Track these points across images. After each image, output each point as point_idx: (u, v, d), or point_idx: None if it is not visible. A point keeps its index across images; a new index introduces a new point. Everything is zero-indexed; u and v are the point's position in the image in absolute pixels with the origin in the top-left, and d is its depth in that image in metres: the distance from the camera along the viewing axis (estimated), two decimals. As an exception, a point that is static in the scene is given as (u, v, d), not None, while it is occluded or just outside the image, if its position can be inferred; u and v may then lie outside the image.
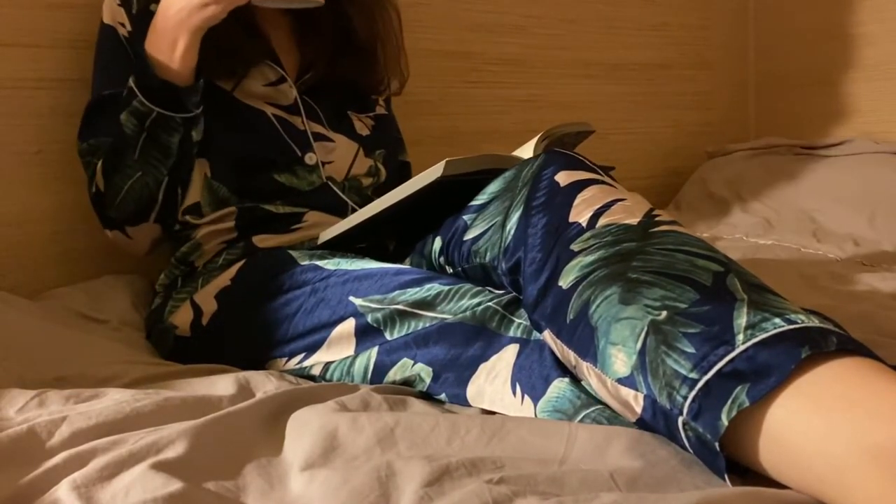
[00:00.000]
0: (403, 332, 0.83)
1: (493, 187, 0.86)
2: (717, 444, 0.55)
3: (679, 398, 0.58)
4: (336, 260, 0.94)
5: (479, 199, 0.87)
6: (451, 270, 0.90)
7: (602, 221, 0.72)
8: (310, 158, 1.11)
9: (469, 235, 0.86)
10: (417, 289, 0.84)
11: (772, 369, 0.55)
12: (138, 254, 1.13)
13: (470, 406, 0.77)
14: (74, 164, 1.12)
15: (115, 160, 1.02)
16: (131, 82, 0.99)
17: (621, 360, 0.62)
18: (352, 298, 0.87)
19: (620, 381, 0.62)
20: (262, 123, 1.09)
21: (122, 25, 1.09)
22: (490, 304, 0.79)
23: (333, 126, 1.15)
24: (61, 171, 1.15)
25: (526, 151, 0.97)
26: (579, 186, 0.77)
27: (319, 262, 0.94)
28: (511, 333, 0.77)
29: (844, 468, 0.51)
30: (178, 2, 0.96)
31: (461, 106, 1.68)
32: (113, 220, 1.07)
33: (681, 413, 0.58)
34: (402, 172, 1.32)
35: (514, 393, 0.73)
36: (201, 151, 1.06)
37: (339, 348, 0.87)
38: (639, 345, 0.61)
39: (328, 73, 1.16)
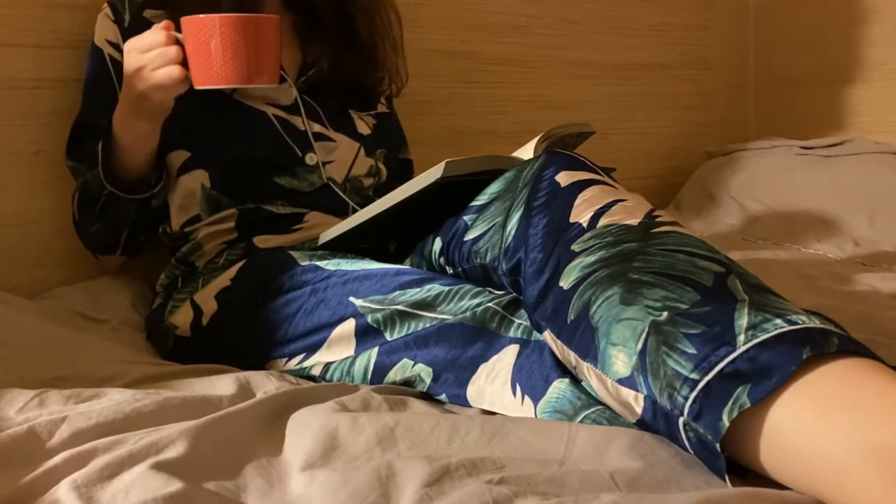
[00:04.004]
0: (403, 333, 0.82)
1: (493, 188, 0.86)
2: (717, 445, 0.55)
3: (680, 399, 0.58)
4: (336, 260, 0.94)
5: (480, 200, 0.87)
6: (452, 271, 0.90)
7: (603, 222, 0.72)
8: (310, 159, 1.10)
9: (469, 236, 0.86)
10: (417, 289, 0.84)
11: (773, 370, 0.55)
12: (106, 270, 1.20)
13: (470, 406, 0.77)
14: (74, 164, 1.12)
15: (83, 203, 1.09)
16: (98, 147, 1.02)
17: (622, 361, 0.62)
18: (352, 299, 0.87)
19: (621, 381, 0.62)
20: (263, 125, 1.09)
21: (111, 45, 1.09)
22: (490, 304, 0.79)
23: (335, 125, 1.14)
24: (61, 171, 1.15)
25: (526, 152, 0.97)
26: (580, 187, 0.76)
27: (319, 263, 0.94)
28: (511, 334, 0.77)
29: (845, 469, 0.51)
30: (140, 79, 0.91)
31: (461, 106, 1.68)
32: (85, 244, 1.15)
33: (681, 414, 0.58)
34: (403, 170, 1.32)
35: (515, 393, 0.73)
36: (199, 163, 1.07)
37: (339, 349, 0.87)
38: (639, 345, 0.61)
39: (330, 71, 1.15)
